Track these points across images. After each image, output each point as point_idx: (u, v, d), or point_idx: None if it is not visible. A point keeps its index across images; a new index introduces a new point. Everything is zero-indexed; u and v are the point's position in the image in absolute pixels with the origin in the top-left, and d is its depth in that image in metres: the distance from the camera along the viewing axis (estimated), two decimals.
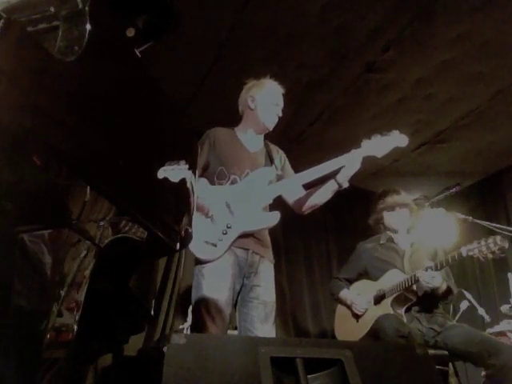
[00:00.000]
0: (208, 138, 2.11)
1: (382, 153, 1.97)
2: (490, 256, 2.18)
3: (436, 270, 2.34)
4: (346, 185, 2.00)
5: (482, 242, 2.20)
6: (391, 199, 2.75)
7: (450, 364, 2.51)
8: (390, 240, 2.77)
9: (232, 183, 2.01)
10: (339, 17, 2.69)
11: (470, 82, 3.21)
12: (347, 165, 1.96)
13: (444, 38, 2.82)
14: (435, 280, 2.33)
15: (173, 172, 1.04)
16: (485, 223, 2.77)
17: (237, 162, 2.05)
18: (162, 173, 1.01)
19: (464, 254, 2.24)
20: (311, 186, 2.09)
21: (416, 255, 2.68)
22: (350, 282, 2.84)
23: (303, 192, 2.13)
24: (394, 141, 1.98)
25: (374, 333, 2.40)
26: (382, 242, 2.79)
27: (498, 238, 2.18)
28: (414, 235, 2.80)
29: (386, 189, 2.87)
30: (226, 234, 1.89)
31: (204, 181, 2.02)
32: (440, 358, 2.36)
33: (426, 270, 2.34)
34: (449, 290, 2.50)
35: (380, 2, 2.59)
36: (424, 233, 2.97)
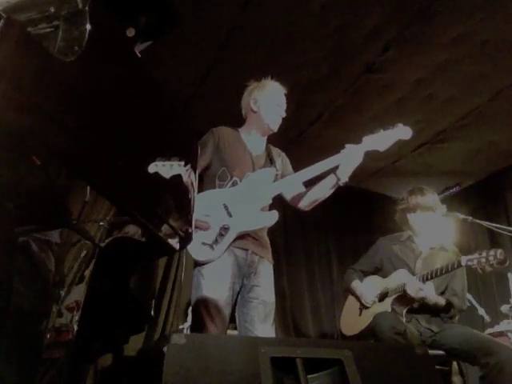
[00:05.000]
0: (213, 137, 2.09)
1: (385, 147, 1.94)
2: (489, 269, 2.17)
3: (427, 279, 2.33)
4: (344, 180, 1.96)
5: (483, 254, 2.18)
6: (414, 200, 2.69)
7: (455, 363, 2.51)
8: (410, 239, 2.74)
9: (233, 185, 2.01)
10: (339, 17, 2.69)
11: (470, 82, 3.21)
12: (346, 161, 1.94)
13: (444, 38, 2.82)
14: (421, 292, 2.32)
15: (163, 168, 1.03)
16: (485, 223, 2.76)
17: (239, 164, 2.05)
18: (153, 167, 0.99)
19: (463, 264, 2.24)
20: (312, 184, 2.08)
21: (431, 258, 2.61)
22: (366, 274, 2.83)
23: (303, 189, 2.12)
24: (397, 134, 1.94)
25: (372, 329, 2.40)
26: (402, 239, 2.77)
27: (499, 251, 2.15)
28: (436, 239, 2.72)
29: (414, 188, 2.77)
30: (223, 235, 1.89)
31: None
32: (440, 358, 2.36)
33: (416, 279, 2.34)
34: (448, 306, 2.45)
35: (380, 2, 2.59)
36: (444, 236, 2.88)
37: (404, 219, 2.75)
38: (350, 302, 2.82)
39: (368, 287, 2.69)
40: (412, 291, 2.33)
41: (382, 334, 2.23)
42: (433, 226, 2.68)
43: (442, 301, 2.43)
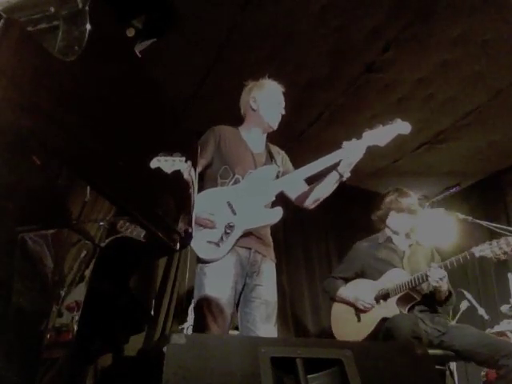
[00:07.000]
0: (214, 135, 2.10)
1: (385, 141, 1.96)
2: (504, 257, 2.19)
3: (445, 269, 2.34)
4: (347, 175, 1.99)
5: (494, 243, 2.21)
6: (404, 201, 2.72)
7: (447, 365, 2.52)
8: (389, 240, 2.76)
9: (235, 183, 2.01)
10: (339, 17, 2.68)
11: (470, 82, 3.21)
12: (347, 156, 1.95)
13: (444, 38, 2.82)
14: (444, 279, 2.34)
15: (166, 163, 1.03)
16: (485, 223, 2.77)
17: (241, 162, 2.05)
18: (155, 163, 0.99)
19: (477, 255, 2.25)
20: (314, 181, 2.09)
21: (414, 257, 2.68)
22: (346, 281, 2.80)
23: (306, 187, 2.13)
24: (396, 129, 1.96)
25: (384, 332, 2.38)
26: (380, 241, 2.78)
27: (511, 238, 2.20)
28: (413, 237, 2.80)
29: (399, 188, 2.82)
30: (228, 233, 1.89)
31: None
32: (439, 358, 2.36)
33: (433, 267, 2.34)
34: (450, 293, 2.50)
35: (380, 2, 2.59)
36: (423, 233, 2.96)
37: (385, 217, 2.78)
38: (340, 311, 2.74)
39: (360, 291, 2.64)
40: (435, 276, 2.31)
41: (401, 336, 2.20)
42: (412, 228, 2.76)
43: (446, 287, 2.45)
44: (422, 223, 3.00)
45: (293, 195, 2.16)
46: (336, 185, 2.03)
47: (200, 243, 1.88)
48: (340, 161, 1.97)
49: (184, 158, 1.07)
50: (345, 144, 1.96)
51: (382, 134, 1.96)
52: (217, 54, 2.97)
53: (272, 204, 2.08)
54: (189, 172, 1.13)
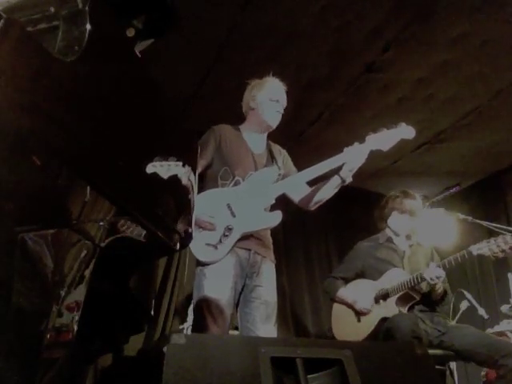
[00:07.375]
0: (214, 135, 2.08)
1: (388, 146, 1.93)
2: (502, 255, 2.19)
3: (444, 268, 2.34)
4: (349, 180, 1.97)
5: (492, 241, 2.21)
6: (408, 203, 2.72)
7: (447, 365, 2.52)
8: (389, 240, 2.76)
9: (235, 185, 2.00)
10: (339, 17, 2.68)
11: (470, 82, 3.21)
12: (350, 160, 1.93)
13: (444, 38, 2.82)
14: (440, 278, 2.34)
15: (162, 168, 1.03)
16: (485, 223, 2.77)
17: (241, 163, 2.04)
18: (150, 168, 0.99)
19: (474, 253, 2.25)
20: (315, 183, 2.08)
21: (415, 257, 2.69)
22: (347, 281, 2.80)
23: (308, 189, 2.11)
24: (400, 133, 1.94)
25: (385, 332, 2.38)
26: (380, 241, 2.78)
27: (508, 236, 2.20)
28: (413, 239, 2.80)
29: (406, 190, 2.83)
30: (227, 235, 1.88)
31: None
32: (439, 358, 2.36)
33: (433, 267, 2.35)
34: (445, 292, 2.51)
35: (380, 2, 2.59)
36: (423, 233, 2.97)
37: (388, 217, 2.78)
38: (340, 311, 2.74)
39: (360, 292, 2.64)
40: (431, 276, 2.32)
41: (402, 336, 2.19)
42: (413, 229, 2.77)
43: (442, 287, 2.47)
44: (422, 223, 3.00)
45: (296, 198, 2.15)
46: (337, 188, 2.02)
47: (198, 245, 1.87)
48: (343, 164, 1.95)
49: (181, 163, 1.07)
50: (347, 148, 1.94)
51: (385, 139, 1.93)
52: (217, 54, 2.96)
53: (272, 206, 2.07)
54: (188, 176, 1.13)
